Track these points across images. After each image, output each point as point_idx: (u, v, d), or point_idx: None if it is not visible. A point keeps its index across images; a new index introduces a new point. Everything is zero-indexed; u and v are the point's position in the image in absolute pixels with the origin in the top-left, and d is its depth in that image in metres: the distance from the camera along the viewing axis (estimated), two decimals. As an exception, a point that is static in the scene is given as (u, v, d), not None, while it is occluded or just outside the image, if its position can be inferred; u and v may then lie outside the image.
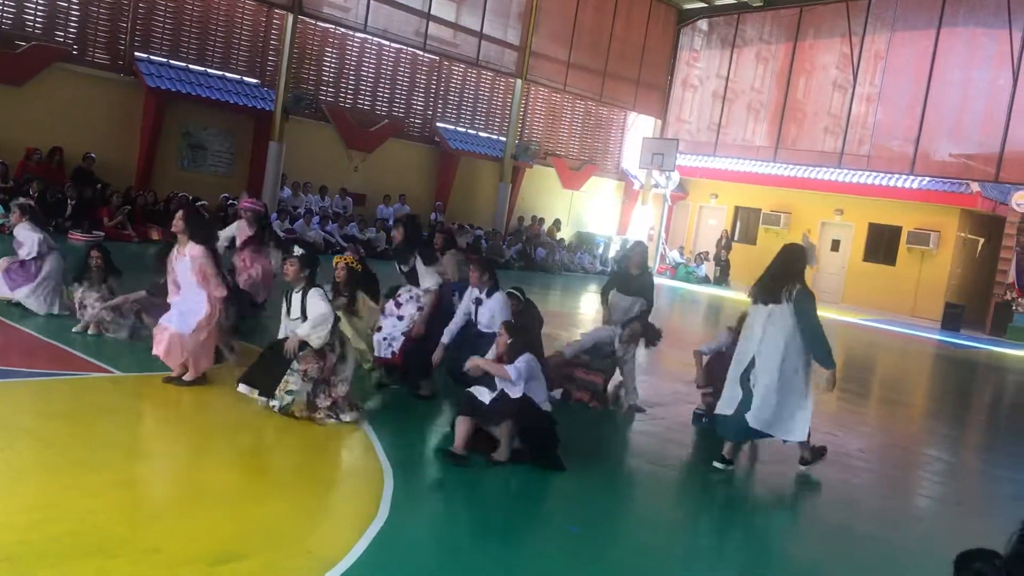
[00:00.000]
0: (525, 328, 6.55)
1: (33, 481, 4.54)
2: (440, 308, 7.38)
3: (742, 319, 7.02)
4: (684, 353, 11.45)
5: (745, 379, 6.46)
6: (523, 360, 5.91)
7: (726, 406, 6.59)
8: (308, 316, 6.30)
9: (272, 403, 6.26)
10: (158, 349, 6.73)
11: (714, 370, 7.68)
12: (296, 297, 6.45)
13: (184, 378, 6.73)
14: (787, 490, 6.73)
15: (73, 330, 7.93)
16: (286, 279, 6.55)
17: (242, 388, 6.36)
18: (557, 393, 7.86)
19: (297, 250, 6.53)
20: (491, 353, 6.34)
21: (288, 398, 6.22)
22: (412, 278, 7.48)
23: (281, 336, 6.51)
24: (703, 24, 28.62)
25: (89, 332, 7.93)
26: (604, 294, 8.93)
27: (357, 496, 5.02)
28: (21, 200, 9.31)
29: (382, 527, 4.49)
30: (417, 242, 7.63)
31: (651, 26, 27.42)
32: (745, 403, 6.41)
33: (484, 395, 5.96)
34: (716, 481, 6.74)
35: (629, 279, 8.81)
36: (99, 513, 4.26)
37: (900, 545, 5.54)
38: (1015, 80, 21.63)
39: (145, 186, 17.22)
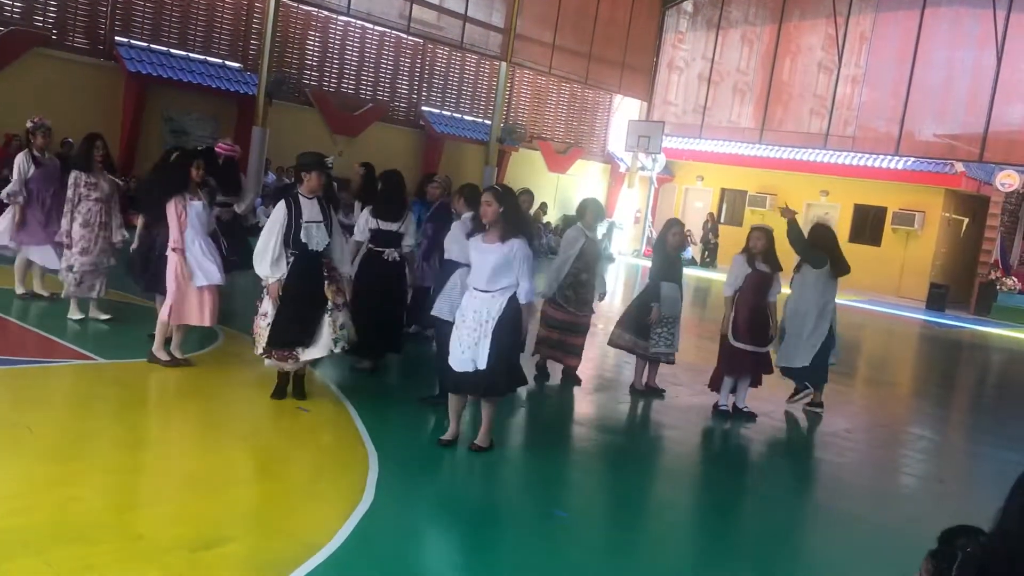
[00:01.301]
0: (515, 199, 6.01)
1: (14, 469, 4.50)
2: (372, 269, 7.22)
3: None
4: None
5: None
6: (522, 251, 5.54)
7: (804, 358, 7.96)
8: (332, 230, 6.19)
9: (336, 349, 6.17)
10: (204, 317, 6.75)
11: (744, 315, 7.56)
12: (313, 203, 6.14)
13: (175, 354, 6.78)
14: (773, 470, 6.75)
15: (69, 316, 7.83)
16: (311, 190, 6.16)
17: (312, 353, 6.18)
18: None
19: (330, 161, 6.37)
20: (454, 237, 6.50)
21: (343, 332, 6.18)
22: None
23: (312, 240, 6.10)
24: (688, 6, 28.53)
25: (90, 315, 7.89)
26: (656, 289, 7.84)
27: (342, 481, 5.00)
28: (48, 121, 8.58)
29: (367, 511, 4.47)
30: (370, 192, 7.55)
31: (636, 8, 27.30)
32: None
33: (464, 361, 5.49)
34: (701, 462, 6.76)
35: (672, 263, 8.07)
36: (82, 500, 4.23)
37: (885, 523, 5.56)
38: (999, 60, 21.67)
39: (127, 172, 17.06)
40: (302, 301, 6.11)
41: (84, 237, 7.78)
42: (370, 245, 7.21)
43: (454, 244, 6.52)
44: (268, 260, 6.01)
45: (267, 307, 6.12)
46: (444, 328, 5.81)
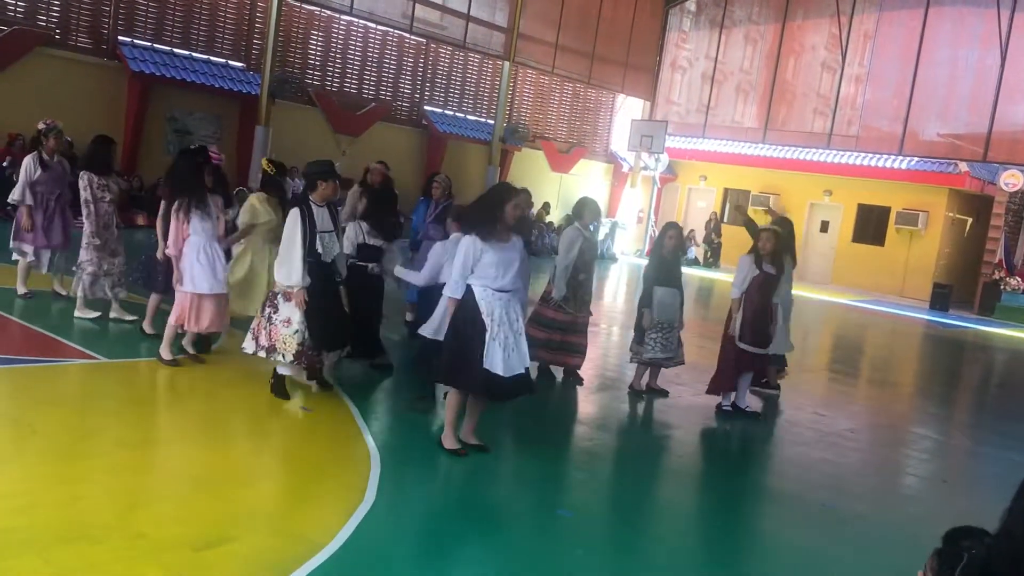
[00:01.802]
0: None
1: (16, 467, 4.50)
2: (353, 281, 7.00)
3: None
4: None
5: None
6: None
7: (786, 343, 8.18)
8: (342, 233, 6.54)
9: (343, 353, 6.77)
10: (221, 323, 6.93)
11: (748, 317, 7.55)
12: (323, 211, 6.18)
13: (188, 349, 6.92)
14: (776, 469, 6.74)
15: (79, 315, 7.86)
16: (324, 198, 6.17)
17: (332, 356, 6.72)
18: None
19: (339, 167, 6.60)
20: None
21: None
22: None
23: (324, 250, 6.16)
24: (691, 5, 28.49)
25: (113, 316, 7.97)
26: (649, 294, 7.78)
27: (344, 480, 5.00)
28: (60, 124, 8.52)
29: (369, 511, 4.47)
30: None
31: (639, 7, 27.28)
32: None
33: (513, 365, 5.36)
34: (704, 462, 6.75)
35: (669, 267, 7.93)
36: (84, 499, 4.23)
37: (888, 523, 5.55)
38: (1003, 59, 21.61)
39: (130, 172, 17.08)
40: (329, 307, 6.19)
41: (108, 240, 7.83)
42: (352, 259, 7.00)
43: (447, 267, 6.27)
44: (297, 268, 5.94)
45: (289, 314, 6.07)
46: (465, 342, 5.39)
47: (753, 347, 7.58)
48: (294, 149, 19.84)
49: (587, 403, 7.81)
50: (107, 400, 5.97)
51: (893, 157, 23.92)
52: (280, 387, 6.28)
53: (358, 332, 6.88)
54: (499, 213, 5.47)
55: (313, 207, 6.10)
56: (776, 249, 7.61)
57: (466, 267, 5.42)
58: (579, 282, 7.82)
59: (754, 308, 7.57)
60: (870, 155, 24.37)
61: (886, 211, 24.90)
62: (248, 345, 6.27)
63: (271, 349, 6.12)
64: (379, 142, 21.74)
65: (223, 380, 6.77)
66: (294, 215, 5.98)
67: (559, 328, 7.85)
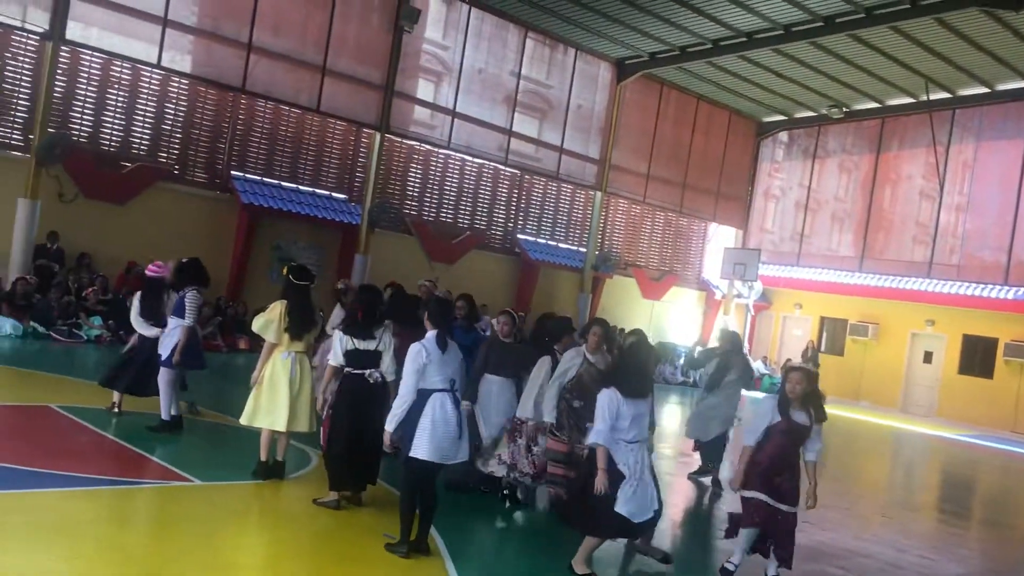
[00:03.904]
0: None
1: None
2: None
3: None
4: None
5: None
6: None
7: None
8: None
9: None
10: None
11: (765, 463, 6.21)
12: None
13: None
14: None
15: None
16: (565, 347, 7.40)
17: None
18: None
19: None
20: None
21: None
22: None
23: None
24: (783, 136, 28.76)
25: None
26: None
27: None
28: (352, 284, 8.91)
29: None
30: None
31: (731, 138, 27.70)
32: None
33: (646, 510, 5.84)
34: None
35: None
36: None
37: None
38: (1111, 187, 21.00)
39: (236, 297, 17.83)
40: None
41: None
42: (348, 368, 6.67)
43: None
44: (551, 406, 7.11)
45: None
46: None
47: (766, 496, 6.16)
48: (391, 276, 20.40)
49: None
50: (197, 523, 6.07)
51: (998, 287, 23.19)
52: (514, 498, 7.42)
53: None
54: (650, 374, 6.18)
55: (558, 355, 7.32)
56: (808, 393, 6.28)
57: (611, 419, 5.77)
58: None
59: (771, 456, 6.22)
60: (974, 284, 23.68)
61: (993, 342, 23.93)
62: (499, 469, 7.34)
63: (537, 476, 7.20)
64: (473, 269, 22.23)
65: (315, 506, 6.80)
66: (546, 362, 7.26)
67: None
